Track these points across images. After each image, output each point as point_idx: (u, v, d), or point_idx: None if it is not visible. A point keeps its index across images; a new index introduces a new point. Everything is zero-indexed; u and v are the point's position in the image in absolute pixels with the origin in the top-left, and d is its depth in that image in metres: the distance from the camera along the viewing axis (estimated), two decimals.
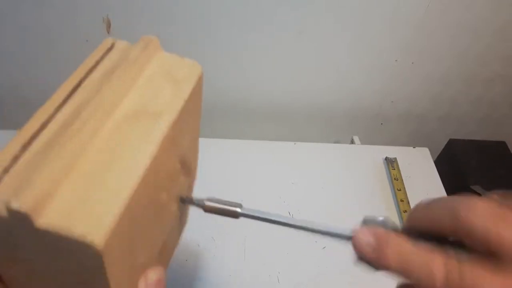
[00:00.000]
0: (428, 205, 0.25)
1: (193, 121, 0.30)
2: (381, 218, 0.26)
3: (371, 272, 0.25)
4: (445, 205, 0.23)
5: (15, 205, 0.18)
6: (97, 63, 0.26)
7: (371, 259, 0.24)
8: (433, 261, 0.22)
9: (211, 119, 0.79)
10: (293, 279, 0.51)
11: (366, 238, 0.25)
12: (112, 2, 0.60)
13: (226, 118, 0.79)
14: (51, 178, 0.19)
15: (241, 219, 0.29)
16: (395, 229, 0.26)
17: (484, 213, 0.21)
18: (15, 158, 0.20)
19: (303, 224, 0.27)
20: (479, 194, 0.62)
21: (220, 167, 0.62)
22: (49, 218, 0.18)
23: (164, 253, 0.31)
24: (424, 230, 0.24)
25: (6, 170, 0.20)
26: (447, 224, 0.23)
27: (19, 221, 0.18)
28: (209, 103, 0.76)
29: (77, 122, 0.22)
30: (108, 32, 0.63)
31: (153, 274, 0.26)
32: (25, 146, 0.21)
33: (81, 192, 0.20)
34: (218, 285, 0.50)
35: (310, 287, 0.50)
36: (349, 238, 0.26)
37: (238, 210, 0.29)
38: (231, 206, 0.29)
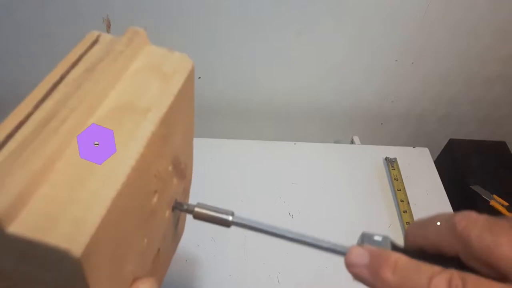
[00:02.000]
0: (424, 221, 0.24)
1: (185, 120, 0.28)
2: (379, 238, 0.24)
3: None
4: (440, 219, 0.23)
5: None
6: (81, 57, 0.24)
7: (366, 281, 0.23)
8: (435, 278, 0.20)
9: (211, 119, 0.79)
10: (293, 279, 0.51)
11: (360, 258, 0.23)
12: (112, 2, 0.60)
13: (226, 118, 0.79)
14: (26, 181, 0.18)
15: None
16: (394, 248, 0.24)
17: (480, 224, 0.21)
18: None
19: (297, 237, 0.26)
20: (479, 194, 0.62)
21: (220, 167, 0.62)
22: (22, 224, 0.17)
23: (158, 262, 0.30)
24: (423, 247, 0.23)
25: None
26: (444, 238, 0.22)
27: None
28: (209, 103, 0.76)
29: (55, 120, 0.20)
30: (108, 32, 0.63)
31: (144, 287, 0.25)
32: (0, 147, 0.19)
33: (60, 196, 0.18)
34: (218, 285, 0.50)
35: (310, 287, 0.50)
36: (343, 254, 0.25)
37: (230, 218, 0.27)
38: (222, 213, 0.27)
